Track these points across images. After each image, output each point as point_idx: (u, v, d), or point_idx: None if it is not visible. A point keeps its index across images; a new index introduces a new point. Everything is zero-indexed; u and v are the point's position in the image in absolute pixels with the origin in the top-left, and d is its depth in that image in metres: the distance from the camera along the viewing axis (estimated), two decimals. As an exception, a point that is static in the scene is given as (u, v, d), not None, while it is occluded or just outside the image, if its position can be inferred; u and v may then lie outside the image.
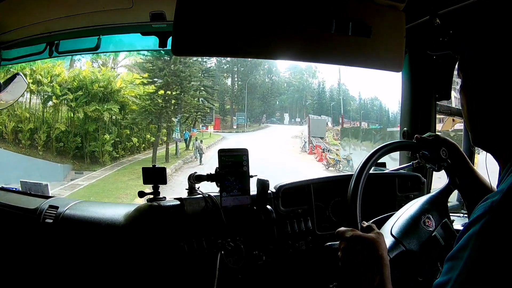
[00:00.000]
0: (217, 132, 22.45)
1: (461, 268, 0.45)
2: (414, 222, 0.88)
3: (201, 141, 16.61)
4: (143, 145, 16.83)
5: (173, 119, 16.44)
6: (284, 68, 30.00)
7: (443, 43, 1.27)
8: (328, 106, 28.26)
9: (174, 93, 15.91)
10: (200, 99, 17.83)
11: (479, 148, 0.64)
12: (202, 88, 17.90)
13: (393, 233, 0.85)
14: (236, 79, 27.45)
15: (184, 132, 17.15)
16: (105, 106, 14.97)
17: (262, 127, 26.53)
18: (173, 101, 16.18)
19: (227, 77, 27.27)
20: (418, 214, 0.91)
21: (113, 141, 15.13)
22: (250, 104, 26.73)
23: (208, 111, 18.92)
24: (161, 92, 15.64)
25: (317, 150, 18.05)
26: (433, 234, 0.86)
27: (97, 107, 14.86)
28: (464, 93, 0.61)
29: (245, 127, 24.86)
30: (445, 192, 0.96)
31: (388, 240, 0.83)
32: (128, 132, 15.76)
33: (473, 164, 1.07)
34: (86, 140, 14.89)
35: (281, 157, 16.76)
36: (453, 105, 1.59)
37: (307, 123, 22.94)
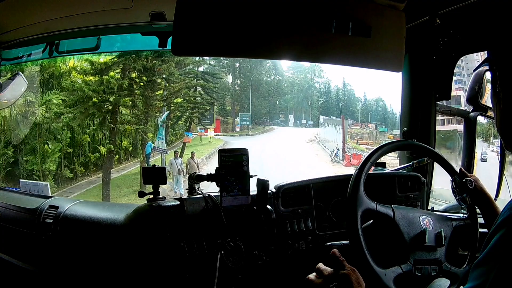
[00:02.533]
0: (218, 136, 18.80)
1: (497, 270, 0.45)
2: (414, 213, 0.97)
3: (192, 154, 10.78)
4: (117, 156, 11.21)
5: (158, 117, 10.94)
6: (286, 67, 28.18)
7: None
8: (334, 106, 27.31)
9: (145, 62, 9.26)
10: (197, 89, 12.89)
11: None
12: (201, 76, 13.07)
13: (393, 206, 0.97)
14: (237, 76, 24.71)
15: (147, 144, 10.91)
16: (44, 98, 9.19)
17: (267, 129, 24.02)
18: (144, 79, 9.55)
19: (227, 73, 24.15)
20: (422, 213, 0.99)
21: (60, 153, 9.50)
22: (254, 104, 24.20)
23: (208, 107, 14.02)
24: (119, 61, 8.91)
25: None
26: (424, 230, 0.93)
27: (31, 98, 9.03)
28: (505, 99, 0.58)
29: (249, 130, 22.31)
30: (458, 221, 1.02)
31: (387, 209, 0.95)
32: (89, 139, 10.15)
33: (473, 166, 1.11)
34: (21, 152, 9.07)
35: (314, 171, 12.54)
36: (462, 105, 1.60)
37: (327, 125, 20.22)
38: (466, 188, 1.01)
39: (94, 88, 9.02)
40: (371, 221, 1.02)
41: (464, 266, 0.96)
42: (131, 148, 12.21)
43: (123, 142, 11.62)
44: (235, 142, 17.27)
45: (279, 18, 0.96)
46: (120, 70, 9.43)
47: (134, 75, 9.78)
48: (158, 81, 10.40)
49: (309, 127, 25.56)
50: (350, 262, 0.80)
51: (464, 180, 1.03)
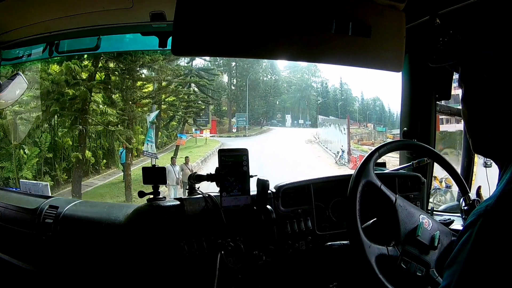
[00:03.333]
0: (214, 137, 17.66)
1: (459, 272, 0.46)
2: (416, 210, 0.98)
3: (187, 159, 9.36)
4: (104, 160, 9.98)
5: (146, 116, 9.67)
6: (282, 67, 27.33)
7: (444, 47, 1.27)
8: (332, 106, 26.81)
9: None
10: (191, 86, 11.58)
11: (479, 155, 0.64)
12: (195, 72, 11.80)
13: (397, 195, 0.96)
14: (234, 75, 23.38)
15: (120, 151, 9.38)
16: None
17: (264, 130, 23.00)
18: (120, 66, 7.71)
19: (223, 72, 22.60)
20: (424, 214, 0.99)
21: (38, 158, 8.12)
22: (251, 103, 23.20)
23: (204, 107, 12.79)
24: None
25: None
26: (420, 223, 0.94)
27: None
28: (472, 99, 0.59)
29: (246, 131, 21.21)
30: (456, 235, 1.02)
31: (390, 193, 0.96)
32: (71, 143, 8.71)
33: (473, 166, 1.11)
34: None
35: (319, 174, 10.60)
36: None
37: (328, 125, 19.02)
38: (473, 207, 1.01)
39: (53, 78, 6.77)
40: (374, 219, 1.02)
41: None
42: (101, 159, 9.91)
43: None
44: (232, 144, 15.88)
45: (279, 18, 0.96)
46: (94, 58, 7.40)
47: (112, 65, 7.75)
48: (137, 69, 8.62)
49: (307, 127, 24.99)
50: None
51: (473, 200, 1.04)
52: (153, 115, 9.76)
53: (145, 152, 9.63)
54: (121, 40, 1.68)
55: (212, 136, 17.02)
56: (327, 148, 17.12)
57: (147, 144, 9.42)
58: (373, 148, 1.01)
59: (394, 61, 1.11)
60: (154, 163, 8.40)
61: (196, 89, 12.11)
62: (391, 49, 1.09)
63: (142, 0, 1.25)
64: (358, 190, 0.92)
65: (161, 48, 1.51)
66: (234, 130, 21.62)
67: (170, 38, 1.43)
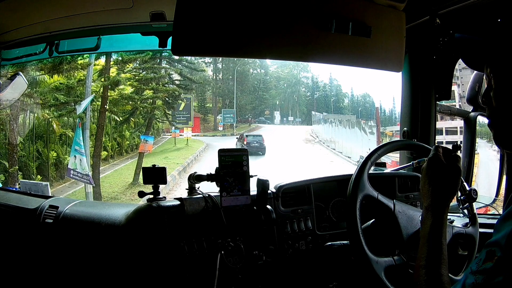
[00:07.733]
0: (197, 136, 15.01)
1: None
2: (415, 212, 0.97)
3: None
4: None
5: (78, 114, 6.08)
6: (270, 61, 25.12)
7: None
8: (321, 102, 26.12)
9: None
10: (161, 62, 7.94)
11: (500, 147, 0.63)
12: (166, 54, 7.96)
13: (394, 200, 0.95)
14: (219, 69, 21.16)
15: None
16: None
17: (253, 128, 20.77)
18: None
19: (208, 64, 20.15)
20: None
21: None
22: (239, 98, 21.07)
23: (179, 93, 9.00)
24: None
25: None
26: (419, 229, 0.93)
27: None
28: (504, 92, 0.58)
29: (234, 129, 18.95)
30: (459, 228, 1.01)
31: (388, 201, 0.94)
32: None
33: (473, 166, 1.11)
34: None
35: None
36: (456, 100, 1.59)
37: (331, 122, 16.49)
38: (470, 198, 1.01)
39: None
40: (372, 220, 1.02)
41: (460, 273, 0.94)
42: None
43: (51, 154, 7.12)
44: (218, 145, 11.64)
45: (280, 18, 0.96)
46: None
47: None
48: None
49: (297, 124, 23.76)
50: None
51: (469, 190, 1.03)
52: (84, 103, 6.02)
53: (71, 172, 5.79)
54: (121, 40, 1.68)
55: (195, 136, 14.30)
56: (334, 149, 14.82)
57: (74, 156, 5.68)
58: (364, 158, 1.00)
59: (394, 61, 1.11)
60: (89, 191, 5.78)
61: (167, 66, 8.29)
62: (391, 49, 1.09)
63: (142, 0, 1.25)
64: (357, 207, 0.92)
65: (161, 48, 1.51)
66: (220, 128, 19.45)
67: (170, 38, 1.43)
